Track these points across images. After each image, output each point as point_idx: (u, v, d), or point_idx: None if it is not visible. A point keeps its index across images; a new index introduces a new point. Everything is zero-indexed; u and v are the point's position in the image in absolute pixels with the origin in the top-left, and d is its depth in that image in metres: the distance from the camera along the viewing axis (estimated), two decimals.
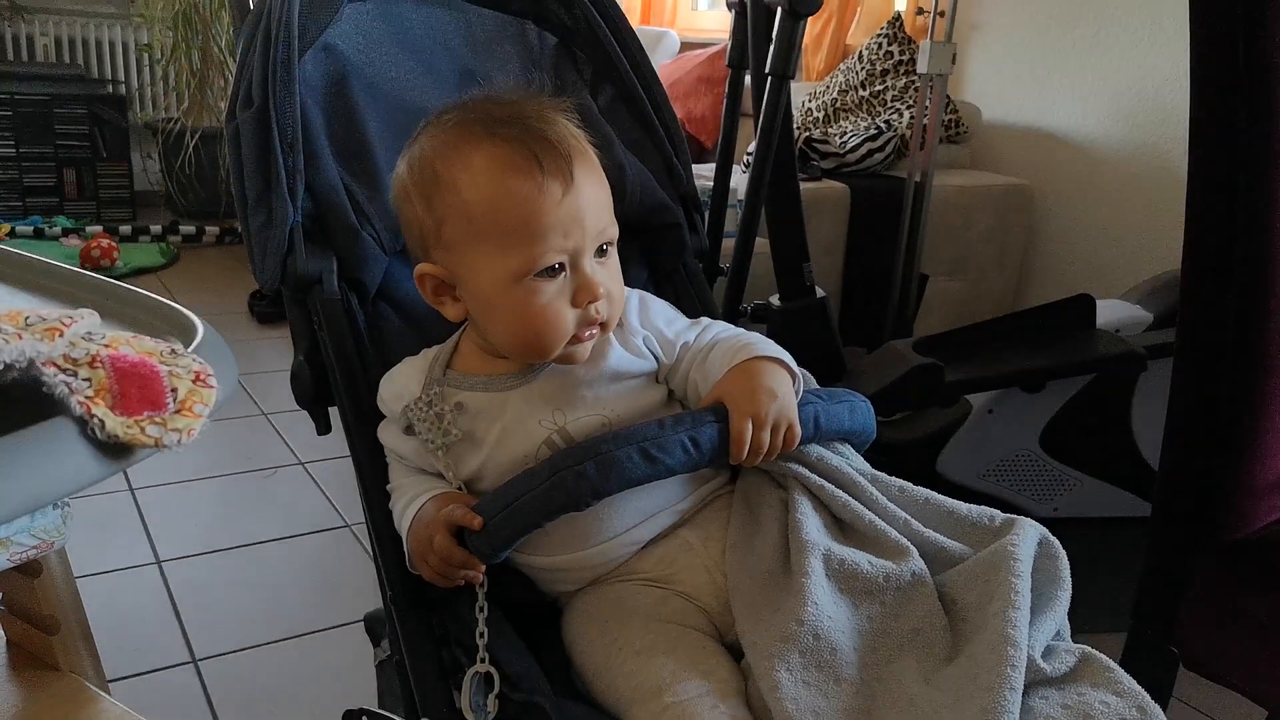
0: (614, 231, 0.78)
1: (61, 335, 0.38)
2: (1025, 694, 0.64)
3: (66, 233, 3.72)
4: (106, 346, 0.40)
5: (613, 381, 0.79)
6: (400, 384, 0.81)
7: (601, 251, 0.76)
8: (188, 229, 3.90)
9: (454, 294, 0.78)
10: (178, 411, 0.38)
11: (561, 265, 0.74)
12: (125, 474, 2.06)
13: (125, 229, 3.82)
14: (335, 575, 1.77)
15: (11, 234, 3.68)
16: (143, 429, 0.37)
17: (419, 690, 0.77)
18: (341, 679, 1.45)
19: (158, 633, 1.56)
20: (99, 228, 3.78)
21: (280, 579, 1.75)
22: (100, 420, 0.36)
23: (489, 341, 0.79)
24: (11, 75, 3.99)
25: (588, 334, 0.76)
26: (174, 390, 0.39)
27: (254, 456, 2.22)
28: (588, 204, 0.74)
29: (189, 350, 0.43)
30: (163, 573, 1.73)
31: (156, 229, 3.86)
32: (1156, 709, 0.64)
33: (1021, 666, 0.64)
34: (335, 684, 1.45)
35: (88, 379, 0.38)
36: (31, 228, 3.73)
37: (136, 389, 0.38)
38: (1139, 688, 0.66)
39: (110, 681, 1.43)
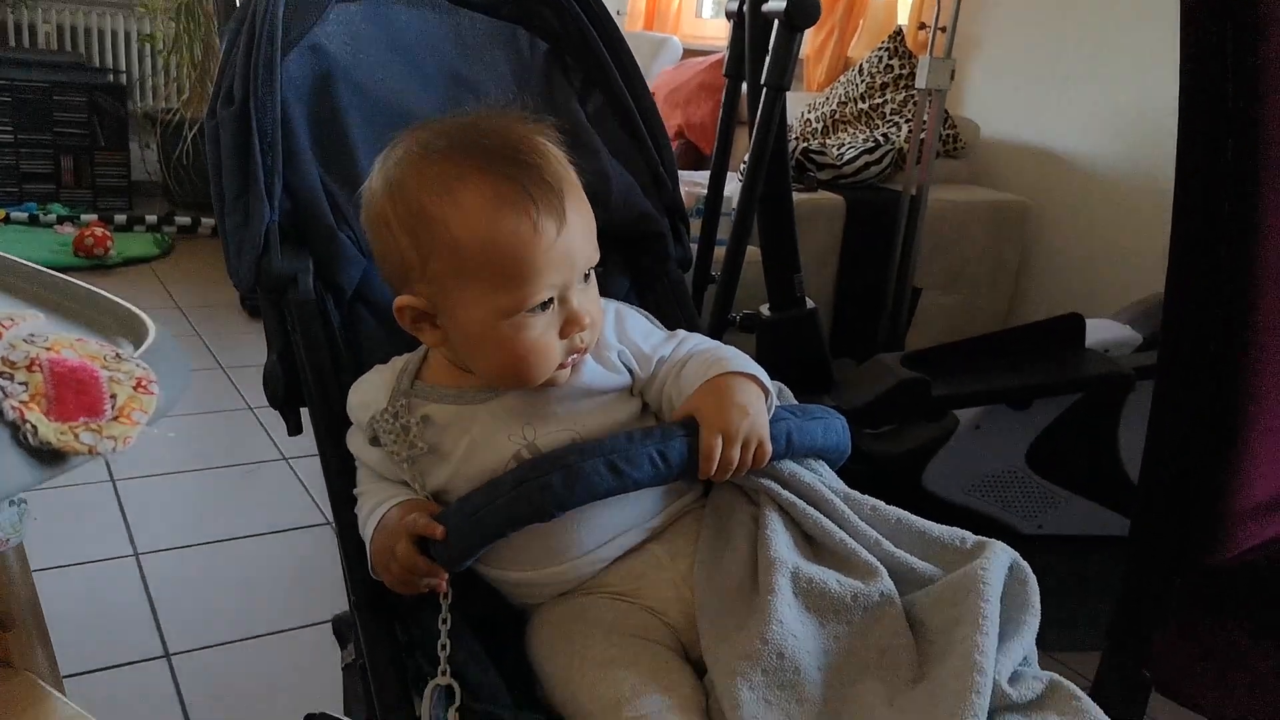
0: (597, 257, 0.77)
1: (1, 338, 0.38)
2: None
3: (61, 220, 3.71)
4: (48, 350, 0.39)
5: (584, 397, 0.78)
6: (368, 393, 0.80)
7: (585, 277, 0.76)
8: (183, 220, 3.90)
9: (434, 322, 0.76)
10: (115, 418, 0.38)
11: (552, 300, 0.73)
12: (106, 464, 2.05)
13: (120, 218, 3.82)
14: (314, 573, 1.76)
15: (6, 220, 3.68)
16: (77, 435, 0.36)
17: (379, 698, 0.76)
18: (313, 679, 1.44)
19: (132, 626, 1.55)
20: (94, 216, 3.77)
21: (258, 575, 1.75)
22: (33, 426, 0.36)
23: (468, 368, 0.78)
24: (12, 61, 3.99)
25: (571, 360, 0.76)
26: (113, 396, 0.38)
27: (238, 450, 2.22)
28: (577, 238, 0.73)
29: (137, 354, 0.42)
30: (140, 565, 1.72)
31: (152, 219, 3.85)
32: None
33: (987, 693, 0.63)
34: (307, 684, 1.44)
35: (24, 383, 0.37)
36: (26, 214, 3.73)
37: (74, 394, 0.37)
38: (1105, 717, 0.65)
39: (82, 674, 1.43)
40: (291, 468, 2.14)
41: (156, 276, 3.43)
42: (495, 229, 0.70)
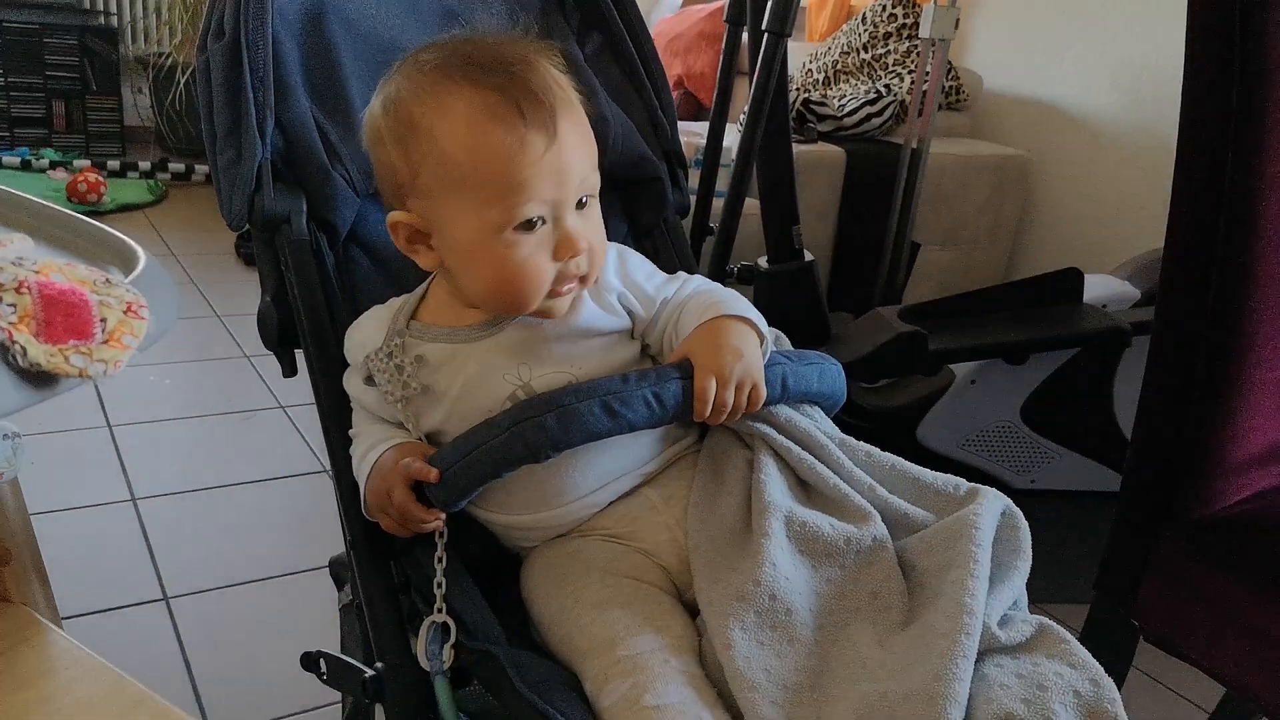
0: (595, 181, 0.76)
1: None
2: (980, 661, 0.64)
3: (54, 166, 3.67)
4: (36, 273, 0.39)
5: (581, 338, 0.77)
6: (364, 333, 0.80)
7: (582, 204, 0.74)
8: (177, 167, 3.86)
9: (428, 243, 0.75)
10: (105, 341, 0.37)
11: (542, 219, 0.72)
12: (103, 410, 2.05)
13: (114, 164, 3.78)
14: (310, 519, 1.78)
15: None
16: (66, 358, 0.36)
17: (375, 636, 0.77)
18: (311, 620, 1.46)
19: (130, 570, 1.56)
20: (87, 162, 3.73)
21: (255, 521, 1.76)
22: (23, 347, 0.35)
23: (462, 291, 0.77)
24: (1, 2, 3.92)
25: (566, 288, 0.74)
26: (103, 320, 0.38)
27: (234, 398, 2.22)
28: (571, 156, 0.71)
29: (126, 280, 0.42)
30: (137, 510, 1.73)
31: (145, 165, 3.81)
32: (1109, 682, 0.64)
33: (976, 635, 0.63)
34: (304, 626, 1.46)
35: (12, 304, 0.37)
36: (19, 159, 3.68)
37: (63, 317, 0.37)
38: (1094, 660, 0.66)
39: (79, 616, 1.44)
40: (288, 415, 2.14)
41: (150, 223, 3.40)
42: (481, 139, 0.69)
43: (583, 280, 0.75)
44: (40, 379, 0.36)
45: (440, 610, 0.71)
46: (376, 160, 0.77)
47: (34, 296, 0.37)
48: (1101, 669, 0.65)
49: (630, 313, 0.81)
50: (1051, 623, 0.69)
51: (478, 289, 0.75)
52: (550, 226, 0.72)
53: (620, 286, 0.80)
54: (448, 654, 0.70)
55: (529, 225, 0.71)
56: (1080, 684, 0.63)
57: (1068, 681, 0.63)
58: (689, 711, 0.60)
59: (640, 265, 0.84)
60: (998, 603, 0.68)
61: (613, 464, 0.77)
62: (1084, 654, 0.66)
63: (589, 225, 0.75)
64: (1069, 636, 0.68)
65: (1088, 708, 0.62)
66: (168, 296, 0.44)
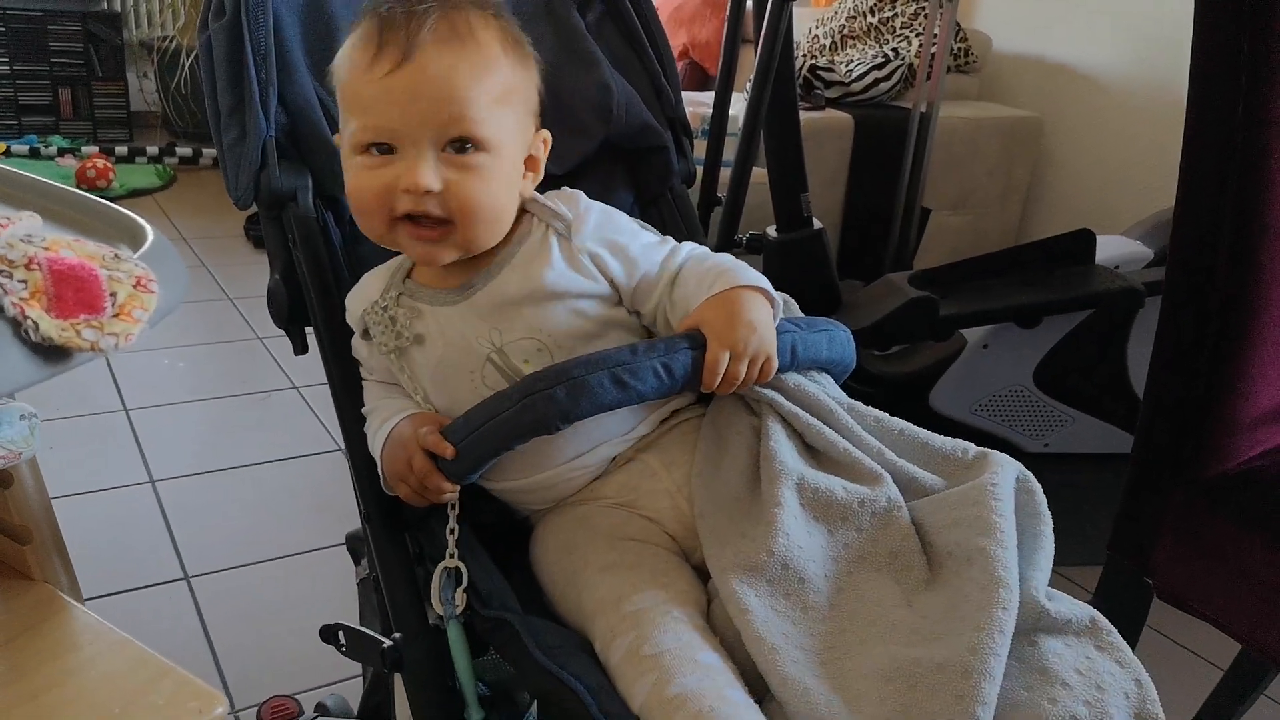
0: (486, 132, 0.72)
1: None
2: (1032, 641, 0.64)
3: (62, 153, 3.68)
4: (46, 249, 0.39)
5: (550, 300, 0.76)
6: (364, 290, 0.82)
7: (460, 149, 0.71)
8: (184, 151, 3.86)
9: None
10: (116, 315, 0.38)
11: (387, 146, 0.71)
12: (120, 394, 2.07)
13: (121, 149, 3.78)
14: (326, 496, 1.79)
15: (7, 153, 3.64)
16: (78, 332, 0.36)
17: (393, 606, 0.78)
18: (329, 596, 1.48)
19: (150, 550, 1.59)
20: (95, 148, 3.74)
21: (272, 500, 1.77)
22: (35, 322, 0.36)
23: None
24: None
25: (427, 232, 0.73)
26: (113, 295, 0.38)
27: (248, 379, 2.23)
28: (425, 86, 0.69)
29: (134, 256, 0.42)
30: (156, 492, 1.75)
31: (153, 150, 3.81)
32: (1149, 682, 0.64)
33: (1013, 608, 0.63)
34: (323, 601, 1.48)
35: (23, 281, 0.37)
36: (27, 147, 3.69)
37: (73, 292, 0.37)
38: (1138, 661, 0.65)
39: (103, 596, 1.46)
40: (302, 395, 2.16)
41: (160, 208, 3.41)
42: (343, 59, 0.73)
43: (460, 238, 0.73)
44: (53, 353, 0.36)
45: (452, 556, 0.72)
46: None
47: (44, 272, 0.37)
48: (1143, 668, 0.65)
49: (610, 278, 0.79)
50: (1101, 616, 0.68)
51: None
52: (393, 159, 0.71)
53: (594, 247, 0.78)
54: (460, 598, 0.71)
55: (374, 150, 0.71)
56: (1127, 685, 0.63)
57: (1119, 683, 0.63)
58: (685, 655, 0.61)
59: (625, 225, 0.82)
60: (1040, 574, 0.67)
61: (598, 429, 0.76)
62: (1128, 651, 0.66)
63: (462, 175, 0.72)
64: (1115, 631, 0.67)
65: (1135, 711, 0.62)
66: (176, 271, 0.45)
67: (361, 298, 0.81)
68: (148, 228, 0.47)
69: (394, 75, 0.69)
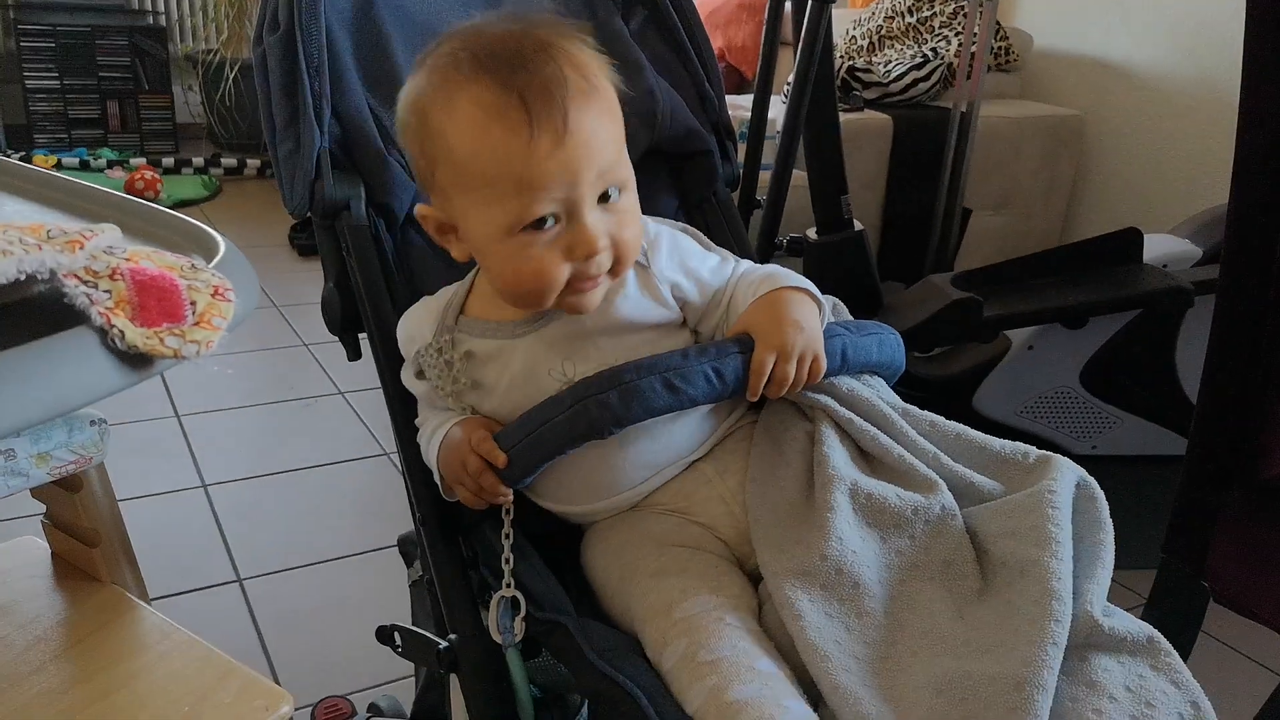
0: (624, 173, 0.71)
1: (82, 248, 0.39)
2: (1085, 657, 0.63)
3: (111, 165, 3.76)
4: (127, 260, 0.40)
5: (627, 332, 0.75)
6: (414, 327, 0.80)
7: (606, 196, 0.70)
8: (229, 162, 3.93)
9: (457, 234, 0.74)
10: (196, 324, 0.39)
11: (555, 217, 0.68)
12: (171, 401, 2.11)
13: (168, 161, 3.86)
14: (373, 500, 1.82)
15: (58, 166, 3.74)
16: (162, 340, 0.38)
17: (447, 609, 0.79)
18: (379, 598, 1.50)
19: (204, 553, 1.62)
20: (143, 160, 3.82)
21: (321, 504, 1.80)
22: (120, 331, 0.37)
23: (491, 285, 0.76)
24: (54, 6, 4.02)
25: (589, 285, 0.71)
26: (193, 303, 0.40)
27: (295, 385, 2.27)
28: (585, 151, 0.67)
29: (209, 266, 0.44)
30: (208, 496, 1.78)
31: (199, 161, 3.89)
32: (1209, 706, 0.63)
33: (1066, 622, 0.62)
34: (373, 603, 1.50)
35: (108, 291, 0.38)
36: (78, 160, 3.79)
37: (156, 301, 0.38)
38: (1196, 684, 0.64)
39: (158, 599, 1.48)
40: (348, 401, 2.19)
41: (206, 218, 3.48)
42: (485, 140, 0.67)
43: (612, 274, 0.72)
44: (138, 361, 0.38)
45: (509, 585, 0.73)
46: (407, 154, 0.77)
47: (128, 283, 0.39)
48: (1201, 691, 0.64)
49: (686, 302, 0.78)
50: (1160, 635, 0.66)
51: (497, 286, 0.74)
52: (564, 224, 0.69)
53: (674, 275, 0.77)
54: (519, 626, 0.72)
55: (539, 224, 0.68)
56: (1183, 706, 0.62)
57: (1172, 703, 0.62)
58: (742, 662, 0.61)
59: (693, 249, 0.81)
60: (1097, 586, 0.66)
61: (661, 455, 0.76)
62: (1186, 673, 0.65)
63: (616, 219, 0.70)
64: (1174, 652, 0.65)
65: None
66: (248, 279, 0.46)
67: (411, 335, 0.80)
68: (219, 238, 0.49)
69: (559, 151, 0.66)
